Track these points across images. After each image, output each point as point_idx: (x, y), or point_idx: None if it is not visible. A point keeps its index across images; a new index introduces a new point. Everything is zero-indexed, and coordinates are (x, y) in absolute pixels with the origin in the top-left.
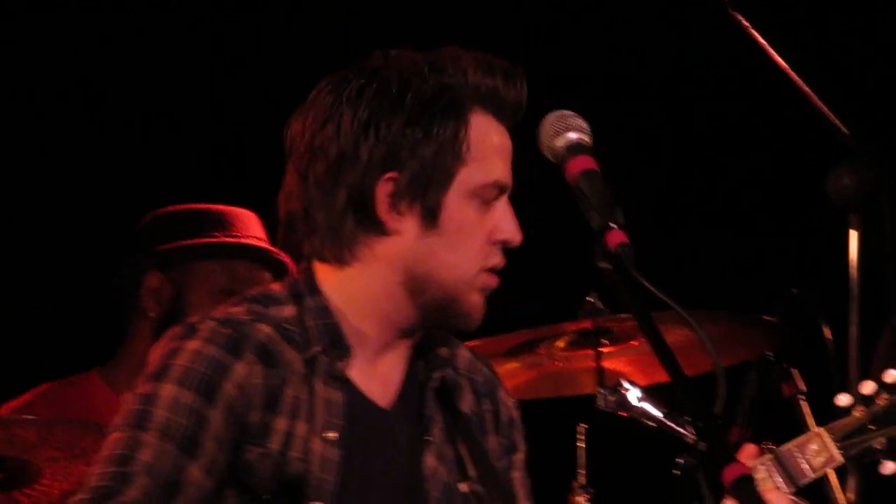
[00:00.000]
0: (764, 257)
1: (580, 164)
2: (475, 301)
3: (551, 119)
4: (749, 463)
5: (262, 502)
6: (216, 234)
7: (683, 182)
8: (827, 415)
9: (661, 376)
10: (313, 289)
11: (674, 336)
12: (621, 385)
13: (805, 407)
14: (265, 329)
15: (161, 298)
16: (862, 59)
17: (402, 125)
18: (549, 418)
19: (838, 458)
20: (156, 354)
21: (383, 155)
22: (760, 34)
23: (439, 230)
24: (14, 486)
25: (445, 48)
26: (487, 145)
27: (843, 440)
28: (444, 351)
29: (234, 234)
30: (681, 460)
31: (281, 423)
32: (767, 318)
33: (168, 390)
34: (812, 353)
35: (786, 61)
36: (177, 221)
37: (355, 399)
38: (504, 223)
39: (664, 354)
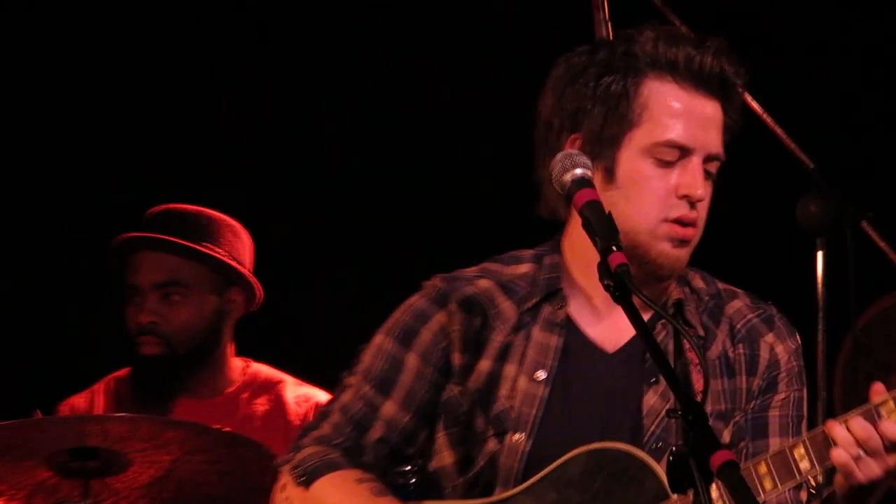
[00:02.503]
0: (741, 276)
1: (585, 196)
2: (661, 249)
3: (559, 158)
4: (879, 396)
5: (470, 434)
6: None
7: None
8: None
9: None
10: (555, 249)
11: None
12: None
13: None
14: (483, 284)
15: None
16: (825, 104)
17: (582, 90)
18: None
19: None
20: None
21: (568, 118)
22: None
23: (617, 184)
24: (108, 473)
25: (653, 22)
26: (663, 109)
27: None
28: (679, 298)
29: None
30: (674, 448)
31: (483, 365)
32: None
33: (378, 339)
34: None
35: (761, 106)
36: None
37: (578, 343)
38: (684, 178)
39: (658, 357)
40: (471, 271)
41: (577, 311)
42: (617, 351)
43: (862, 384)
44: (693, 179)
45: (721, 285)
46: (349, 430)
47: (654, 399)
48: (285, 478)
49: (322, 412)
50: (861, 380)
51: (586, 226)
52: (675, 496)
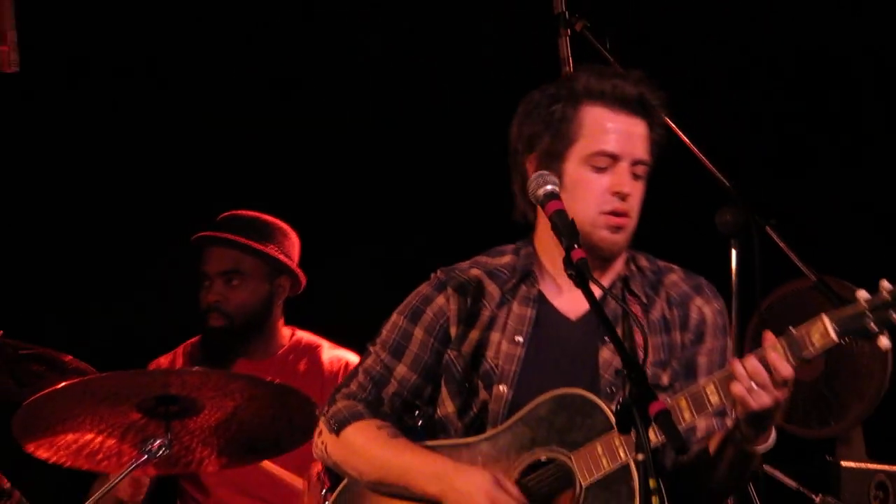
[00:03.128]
0: None
1: (554, 206)
2: (602, 236)
3: (534, 177)
4: (768, 342)
5: (465, 388)
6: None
7: None
8: None
9: None
10: (528, 242)
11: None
12: None
13: None
14: (474, 272)
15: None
16: (740, 135)
17: (534, 120)
18: None
19: (835, 339)
20: None
21: (526, 142)
22: (675, 123)
23: (565, 189)
24: (185, 415)
25: (588, 65)
26: (597, 127)
27: (842, 324)
28: (626, 275)
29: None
30: (619, 399)
31: (474, 334)
32: None
33: (394, 317)
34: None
35: (689, 139)
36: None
37: (548, 314)
38: (615, 179)
39: (610, 330)
40: (465, 264)
41: (547, 288)
42: (578, 319)
43: None
44: (621, 179)
45: (661, 263)
46: (370, 388)
47: (608, 354)
48: (322, 425)
49: (350, 374)
50: None
51: (554, 229)
52: (620, 435)
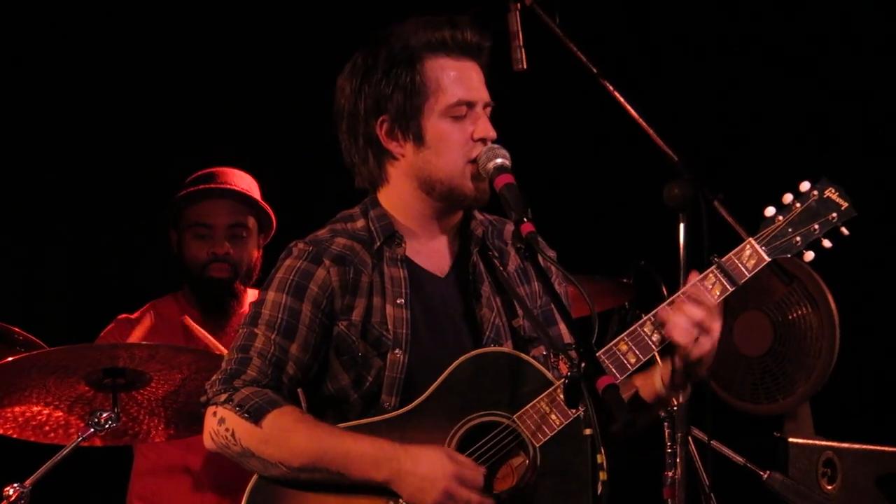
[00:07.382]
0: (624, 240)
1: (504, 179)
2: (470, 186)
3: (485, 150)
4: (695, 276)
5: (358, 358)
6: (190, 189)
7: (581, 198)
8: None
9: None
10: (375, 205)
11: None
12: None
13: None
14: (341, 241)
15: (175, 245)
16: (690, 112)
17: (378, 83)
18: None
19: (766, 258)
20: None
21: (372, 106)
22: (625, 98)
23: (427, 145)
24: (133, 388)
25: (411, 17)
26: (445, 78)
27: (769, 244)
28: (482, 231)
29: (202, 185)
30: (568, 373)
31: (360, 302)
32: (626, 280)
33: (271, 296)
34: (654, 303)
35: (639, 115)
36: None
37: (417, 273)
38: (477, 125)
39: (559, 305)
40: (323, 233)
41: (408, 248)
42: (446, 276)
43: None
44: (485, 125)
45: (491, 216)
46: (271, 371)
47: (484, 310)
48: (223, 413)
49: (240, 359)
50: None
51: (503, 201)
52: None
